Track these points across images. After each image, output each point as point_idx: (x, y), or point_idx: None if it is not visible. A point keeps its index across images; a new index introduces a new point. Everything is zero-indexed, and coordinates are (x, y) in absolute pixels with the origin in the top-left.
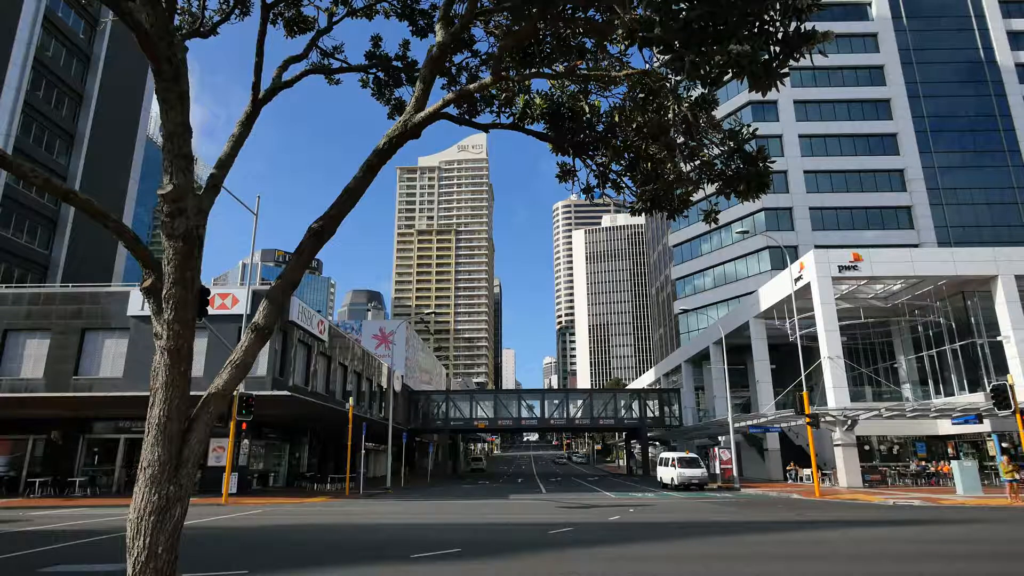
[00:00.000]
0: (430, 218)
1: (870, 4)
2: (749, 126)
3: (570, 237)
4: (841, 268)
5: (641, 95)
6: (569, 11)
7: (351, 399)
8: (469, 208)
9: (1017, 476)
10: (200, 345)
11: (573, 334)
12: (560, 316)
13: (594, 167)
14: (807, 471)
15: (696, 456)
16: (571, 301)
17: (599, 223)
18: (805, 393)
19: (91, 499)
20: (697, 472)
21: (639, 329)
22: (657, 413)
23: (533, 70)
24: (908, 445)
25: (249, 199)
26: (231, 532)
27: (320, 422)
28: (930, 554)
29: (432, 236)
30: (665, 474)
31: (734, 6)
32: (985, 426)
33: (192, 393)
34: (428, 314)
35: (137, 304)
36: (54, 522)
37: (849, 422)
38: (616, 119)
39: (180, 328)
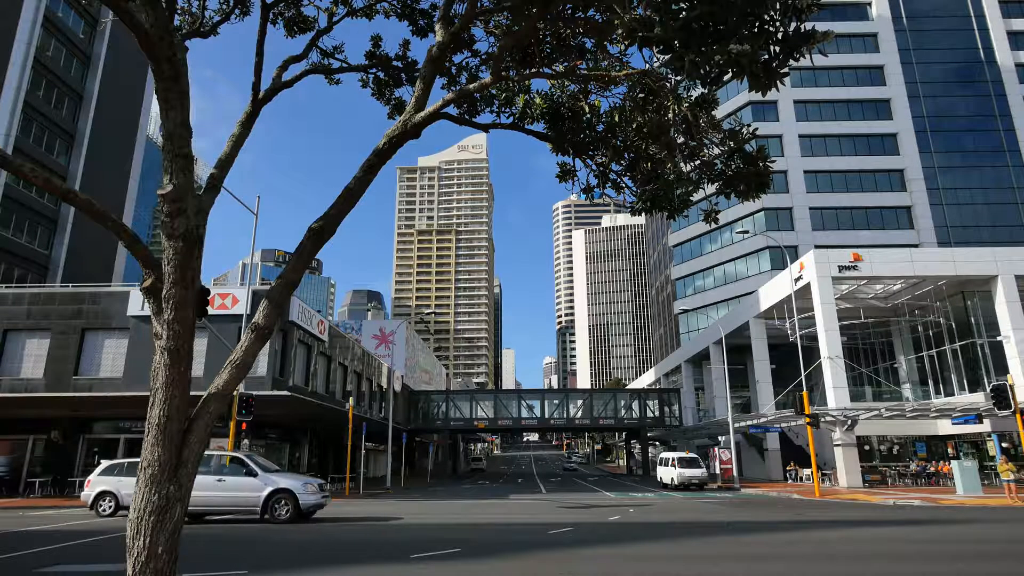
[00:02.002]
0: (430, 218)
1: (870, 4)
2: (749, 126)
3: (570, 237)
4: (841, 268)
5: (641, 95)
6: (569, 11)
7: (351, 399)
8: (469, 208)
9: (1012, 476)
10: (200, 345)
11: (573, 334)
12: (560, 316)
13: (594, 167)
14: (807, 471)
15: (696, 456)
16: (571, 301)
17: (599, 223)
18: (805, 393)
19: None
20: (697, 472)
21: (639, 329)
22: (657, 413)
23: (533, 70)
24: (908, 445)
25: (249, 199)
26: (231, 532)
27: (320, 422)
28: (930, 554)
29: (432, 236)
30: (665, 474)
31: (734, 6)
32: (985, 426)
33: (192, 393)
34: (428, 314)
35: (137, 304)
36: (54, 522)
37: (849, 422)
38: (616, 119)
39: (180, 328)
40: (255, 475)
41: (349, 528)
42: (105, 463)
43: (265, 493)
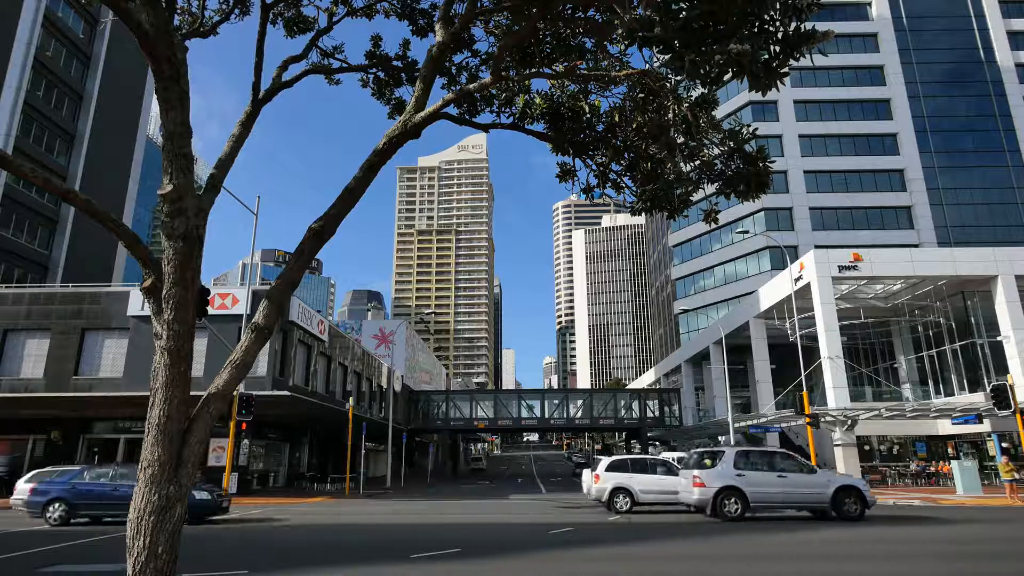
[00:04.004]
0: (430, 218)
1: (870, 4)
2: (749, 126)
3: (570, 237)
4: (841, 268)
5: (641, 95)
6: (569, 11)
7: (351, 399)
8: (469, 208)
9: (1016, 476)
10: (200, 345)
11: (573, 334)
12: (560, 316)
13: (594, 167)
14: None
15: None
16: (571, 301)
17: (599, 223)
18: (805, 393)
19: None
20: None
21: (639, 329)
22: (657, 413)
23: (533, 70)
24: (908, 445)
25: (250, 199)
26: (231, 532)
27: (320, 422)
28: (931, 554)
29: (432, 236)
30: None
31: (734, 6)
32: (985, 426)
33: (192, 393)
34: (428, 314)
35: (137, 304)
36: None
37: (849, 422)
38: (616, 119)
39: (180, 328)
40: (815, 472)
41: (348, 528)
42: (605, 459)
43: (832, 490)
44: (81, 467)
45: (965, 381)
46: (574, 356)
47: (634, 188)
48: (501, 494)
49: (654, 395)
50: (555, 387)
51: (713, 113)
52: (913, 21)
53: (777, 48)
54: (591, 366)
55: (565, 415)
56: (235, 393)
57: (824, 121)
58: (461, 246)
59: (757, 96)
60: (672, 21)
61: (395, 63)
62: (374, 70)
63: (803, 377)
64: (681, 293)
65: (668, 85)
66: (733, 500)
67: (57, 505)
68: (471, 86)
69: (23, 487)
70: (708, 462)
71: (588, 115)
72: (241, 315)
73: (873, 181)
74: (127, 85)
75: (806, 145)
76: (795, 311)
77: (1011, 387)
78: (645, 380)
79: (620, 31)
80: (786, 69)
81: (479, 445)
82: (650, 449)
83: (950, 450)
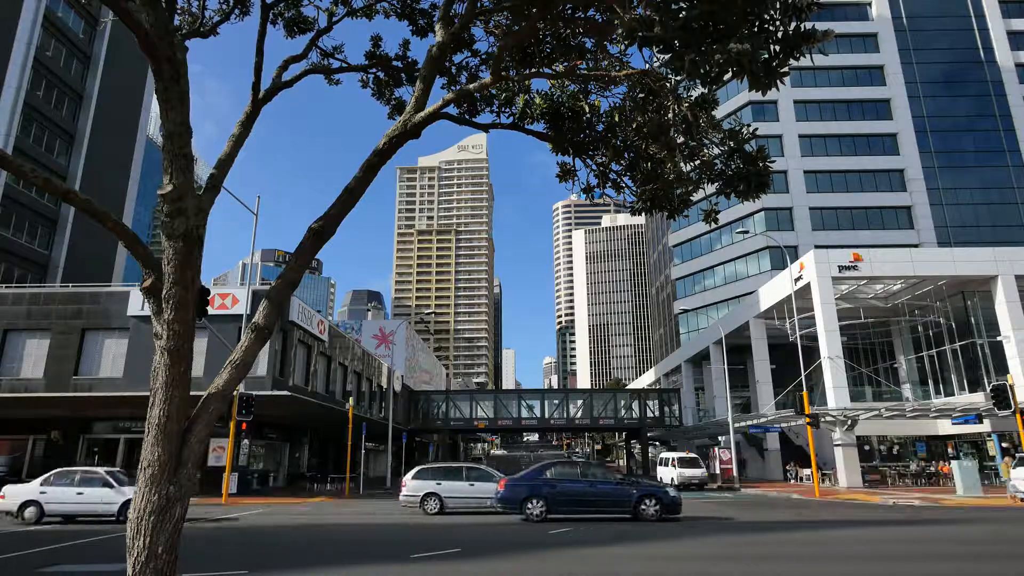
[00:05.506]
0: (430, 218)
1: (870, 4)
2: (749, 126)
3: (570, 237)
4: (841, 268)
5: (641, 95)
6: (569, 11)
7: (351, 399)
8: (469, 208)
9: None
10: (200, 345)
11: (573, 334)
12: (560, 316)
13: (594, 167)
14: (807, 471)
15: (696, 456)
16: (571, 301)
17: (599, 223)
18: (805, 393)
19: None
20: (697, 472)
21: (639, 329)
22: (657, 413)
23: (533, 70)
24: (908, 445)
25: (249, 199)
26: (231, 532)
27: (320, 422)
28: (931, 554)
29: (432, 236)
30: (665, 474)
31: (734, 5)
32: (985, 426)
33: (192, 393)
34: (428, 314)
35: (137, 304)
36: (54, 522)
37: (849, 422)
38: (616, 119)
39: (180, 328)
40: None
41: (348, 528)
42: None
43: None
44: (543, 463)
45: (965, 381)
46: (574, 356)
47: (634, 188)
48: None
49: (654, 395)
50: (555, 387)
51: (713, 113)
52: (913, 21)
53: (777, 48)
54: (591, 366)
55: (565, 415)
56: (235, 393)
57: (824, 121)
58: (461, 246)
59: (757, 96)
60: (672, 21)
61: (395, 63)
62: (374, 70)
63: (803, 377)
64: (681, 293)
65: (668, 85)
66: None
67: (536, 502)
68: (471, 86)
69: (413, 484)
70: None
71: (588, 115)
72: (241, 315)
73: (873, 181)
74: (127, 85)
75: (806, 145)
76: (795, 311)
77: (1011, 387)
78: (645, 380)
79: (620, 31)
80: (786, 69)
81: (479, 445)
82: (650, 449)
83: (950, 450)
